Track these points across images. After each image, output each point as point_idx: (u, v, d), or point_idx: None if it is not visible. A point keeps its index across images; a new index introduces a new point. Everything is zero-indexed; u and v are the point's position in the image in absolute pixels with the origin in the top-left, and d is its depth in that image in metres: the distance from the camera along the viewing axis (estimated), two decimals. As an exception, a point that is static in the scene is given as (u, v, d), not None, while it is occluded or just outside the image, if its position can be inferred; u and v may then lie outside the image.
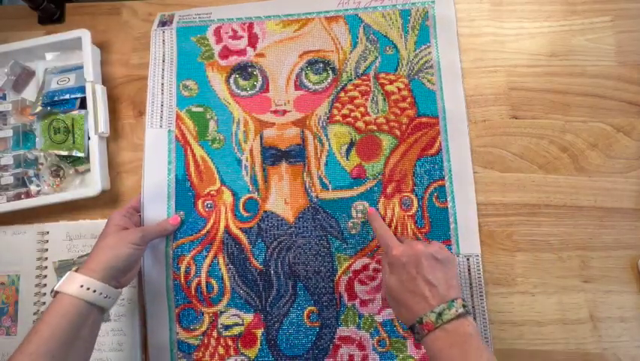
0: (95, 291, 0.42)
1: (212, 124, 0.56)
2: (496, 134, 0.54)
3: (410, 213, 0.52)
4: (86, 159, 0.56)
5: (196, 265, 0.53)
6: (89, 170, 0.56)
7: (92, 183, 0.54)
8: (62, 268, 0.54)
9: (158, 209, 0.54)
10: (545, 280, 0.51)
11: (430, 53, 0.55)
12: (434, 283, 0.41)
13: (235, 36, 0.58)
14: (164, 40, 0.59)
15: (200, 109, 0.57)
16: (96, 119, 0.55)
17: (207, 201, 0.54)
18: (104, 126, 0.56)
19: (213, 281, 0.53)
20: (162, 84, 0.58)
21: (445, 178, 0.52)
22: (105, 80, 0.60)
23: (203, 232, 0.54)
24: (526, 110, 0.54)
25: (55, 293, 0.42)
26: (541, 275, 0.51)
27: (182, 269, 0.53)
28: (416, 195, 0.53)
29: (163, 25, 0.59)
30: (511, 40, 0.56)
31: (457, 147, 0.53)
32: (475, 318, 0.49)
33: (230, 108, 0.57)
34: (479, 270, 0.50)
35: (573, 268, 0.51)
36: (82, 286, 0.42)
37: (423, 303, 0.40)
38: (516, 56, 0.55)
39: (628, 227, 0.51)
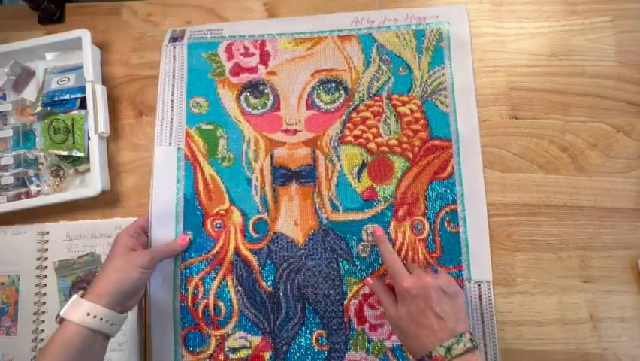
0: (101, 319, 0.42)
1: (222, 142, 0.55)
2: (496, 134, 0.54)
3: (421, 238, 0.51)
4: (86, 159, 0.56)
5: (204, 286, 0.52)
6: (89, 170, 0.56)
7: (92, 183, 0.54)
8: (62, 268, 0.54)
9: (166, 229, 0.53)
10: (545, 280, 0.51)
11: (444, 74, 0.54)
12: (443, 316, 0.41)
13: (247, 53, 0.58)
14: (174, 56, 0.58)
15: (210, 126, 0.56)
16: (96, 119, 0.55)
17: (216, 221, 0.54)
18: (104, 126, 0.56)
19: (221, 303, 0.52)
20: (172, 101, 0.57)
21: (457, 202, 0.52)
22: (105, 80, 0.60)
23: (213, 252, 0.53)
24: (526, 110, 0.54)
25: (61, 320, 0.42)
26: (541, 275, 0.51)
27: (190, 291, 0.52)
28: (428, 219, 0.52)
29: (174, 41, 0.59)
30: (511, 40, 0.56)
31: (469, 171, 0.52)
32: (485, 346, 0.49)
33: (240, 126, 0.56)
34: (490, 297, 0.50)
35: (573, 268, 0.51)
36: (88, 314, 0.41)
37: (432, 336, 0.41)
38: (516, 56, 0.55)
39: (628, 227, 0.51)
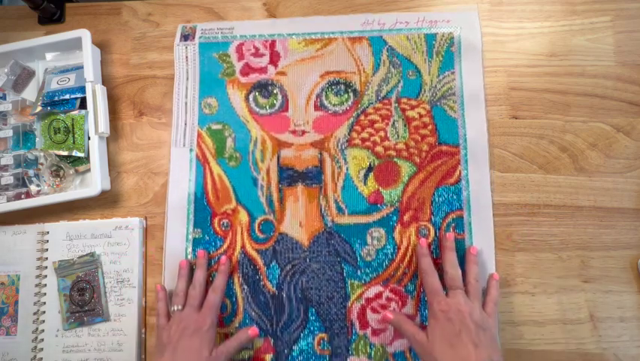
0: None
1: (229, 142, 0.56)
2: (496, 134, 0.54)
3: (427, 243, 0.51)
4: (86, 159, 0.56)
5: (212, 283, 0.52)
6: (89, 170, 0.56)
7: (92, 183, 0.54)
8: (62, 268, 0.54)
9: (180, 227, 0.54)
10: (545, 280, 0.51)
11: (453, 79, 0.54)
12: (479, 345, 0.41)
13: (257, 53, 0.58)
14: (187, 57, 0.58)
15: (219, 126, 0.56)
16: (96, 119, 0.55)
17: (223, 220, 0.54)
18: (104, 126, 0.56)
19: (227, 301, 0.52)
20: (186, 103, 0.57)
21: (464, 209, 0.52)
22: (105, 80, 0.60)
23: (221, 250, 0.54)
24: (526, 110, 0.54)
25: None
26: (541, 275, 0.51)
27: None
28: (433, 225, 0.52)
29: (185, 40, 0.59)
30: (511, 41, 0.56)
31: (476, 178, 0.52)
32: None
33: (248, 126, 0.56)
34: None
35: (573, 268, 0.51)
36: None
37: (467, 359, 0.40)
38: (516, 56, 0.55)
39: (628, 227, 0.51)
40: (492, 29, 0.56)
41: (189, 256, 0.54)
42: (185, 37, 0.59)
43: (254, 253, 0.53)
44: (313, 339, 0.51)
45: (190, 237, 0.54)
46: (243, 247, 0.53)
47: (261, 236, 0.54)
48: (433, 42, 0.56)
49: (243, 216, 0.54)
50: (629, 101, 0.53)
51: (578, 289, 0.50)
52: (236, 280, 0.53)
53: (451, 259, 0.48)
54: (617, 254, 0.51)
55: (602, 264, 0.51)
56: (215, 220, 0.54)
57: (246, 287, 0.53)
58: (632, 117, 0.53)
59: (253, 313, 0.52)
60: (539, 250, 0.51)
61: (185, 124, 0.57)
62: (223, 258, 0.52)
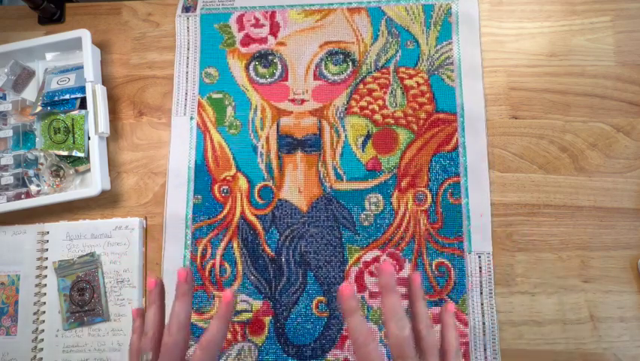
0: None
1: (229, 110, 0.57)
2: (496, 134, 0.54)
3: (423, 208, 0.53)
4: (86, 159, 0.56)
5: (212, 247, 0.54)
6: (89, 170, 0.56)
7: (92, 183, 0.54)
8: (62, 268, 0.54)
9: (180, 194, 0.56)
10: (545, 280, 0.51)
11: (451, 49, 0.56)
12: None
13: (257, 24, 0.59)
14: (188, 28, 0.60)
15: (219, 95, 0.58)
16: (96, 119, 0.55)
17: (223, 187, 0.55)
18: (104, 126, 0.56)
19: (227, 265, 0.54)
20: (187, 73, 0.59)
21: (460, 175, 0.53)
22: (105, 80, 0.60)
23: (220, 216, 0.55)
24: (526, 110, 0.54)
25: None
26: (541, 275, 0.51)
27: (200, 251, 0.54)
28: (430, 191, 0.53)
29: (187, 11, 0.60)
30: (511, 41, 0.56)
31: (473, 145, 0.53)
32: (483, 316, 0.50)
33: (248, 94, 0.57)
34: (490, 268, 0.51)
35: (573, 268, 0.51)
36: None
37: None
38: (516, 56, 0.55)
39: (628, 227, 0.51)
40: (492, 29, 0.56)
41: (189, 218, 0.55)
42: (187, 9, 0.60)
43: (253, 219, 0.54)
44: (311, 302, 0.52)
45: (190, 203, 0.55)
46: (242, 212, 0.55)
47: (261, 202, 0.55)
48: (431, 13, 0.57)
49: (243, 183, 0.55)
50: (629, 101, 0.53)
51: (578, 289, 0.50)
52: (235, 244, 0.54)
53: (360, 321, 0.34)
54: (617, 254, 0.51)
55: (602, 264, 0.51)
56: (215, 187, 0.55)
57: (245, 251, 0.54)
58: (632, 117, 0.53)
59: (252, 277, 0.53)
60: (539, 250, 0.51)
61: (186, 93, 0.58)
62: (227, 292, 0.37)
